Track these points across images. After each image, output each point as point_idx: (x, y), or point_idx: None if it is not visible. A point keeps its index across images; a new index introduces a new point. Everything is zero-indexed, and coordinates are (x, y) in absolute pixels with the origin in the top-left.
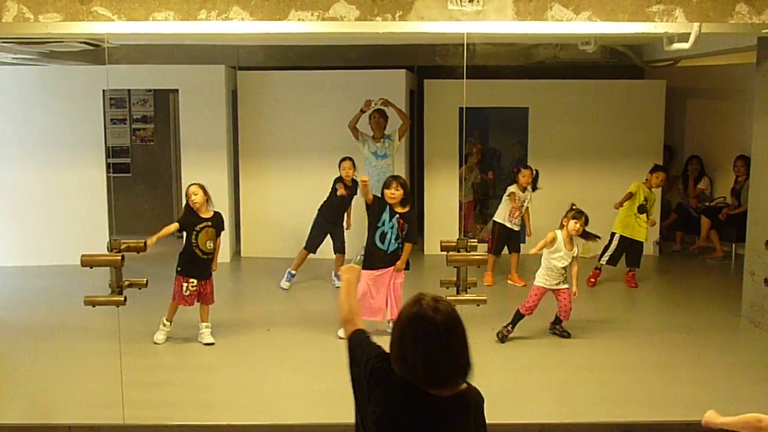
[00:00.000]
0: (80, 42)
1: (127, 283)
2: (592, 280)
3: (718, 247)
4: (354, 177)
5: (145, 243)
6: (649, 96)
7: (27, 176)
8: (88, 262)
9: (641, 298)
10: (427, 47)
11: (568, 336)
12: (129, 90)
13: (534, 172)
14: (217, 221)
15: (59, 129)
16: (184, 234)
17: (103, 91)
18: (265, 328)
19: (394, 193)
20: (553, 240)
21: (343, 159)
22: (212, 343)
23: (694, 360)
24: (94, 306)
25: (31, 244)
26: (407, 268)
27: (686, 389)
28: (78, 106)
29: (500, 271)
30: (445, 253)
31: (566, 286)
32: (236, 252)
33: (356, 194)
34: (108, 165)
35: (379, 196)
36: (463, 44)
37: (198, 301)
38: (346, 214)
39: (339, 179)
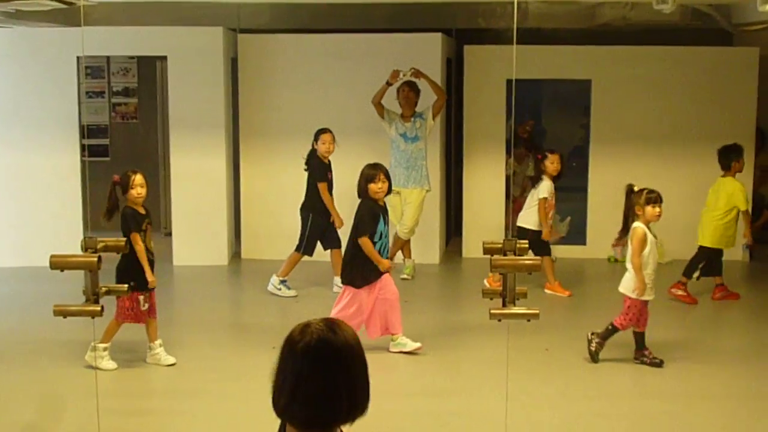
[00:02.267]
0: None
1: (104, 289)
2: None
3: None
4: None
5: (126, 242)
6: (739, 66)
7: None
8: (58, 264)
9: (725, 314)
10: (468, 6)
11: (662, 364)
12: (108, 57)
13: (562, 156)
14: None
15: (24, 103)
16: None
17: (78, 58)
18: (270, 346)
19: (382, 187)
20: (644, 237)
21: (322, 131)
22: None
23: None
24: (65, 317)
25: None
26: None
27: None
28: (47, 75)
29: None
30: (488, 256)
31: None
32: (236, 253)
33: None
34: (83, 147)
35: (365, 198)
36: (513, 2)
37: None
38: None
39: (324, 165)
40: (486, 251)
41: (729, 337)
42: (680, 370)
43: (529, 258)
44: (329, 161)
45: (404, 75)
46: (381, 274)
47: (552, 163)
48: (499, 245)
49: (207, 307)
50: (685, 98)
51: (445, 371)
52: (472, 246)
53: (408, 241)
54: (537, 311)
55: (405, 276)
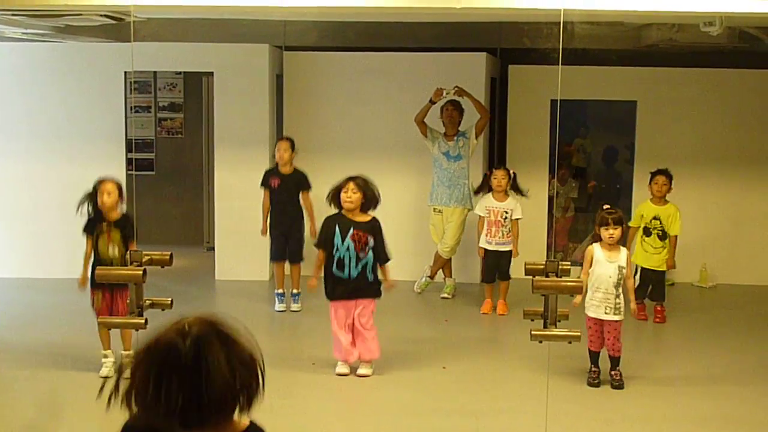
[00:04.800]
0: (101, 15)
1: (148, 302)
2: (642, 313)
3: None
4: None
5: (171, 256)
6: None
7: (33, 172)
8: (104, 276)
9: (752, 336)
10: (513, 26)
11: (621, 387)
12: (155, 72)
13: (511, 174)
14: (123, 224)
15: (72, 116)
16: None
17: (125, 72)
18: (310, 362)
19: (351, 197)
20: (591, 256)
21: (280, 139)
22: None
23: None
24: (109, 329)
25: (38, 253)
26: (379, 295)
27: None
28: (95, 89)
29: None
30: (530, 277)
31: (618, 317)
32: None
33: (309, 186)
34: (128, 161)
35: (337, 212)
36: (560, 22)
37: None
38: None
39: (271, 171)
40: (528, 272)
41: (688, 359)
42: (649, 391)
43: (572, 279)
44: (292, 170)
45: (447, 93)
46: (347, 294)
47: (495, 179)
48: (541, 266)
49: (245, 323)
50: (731, 121)
51: (480, 389)
52: (513, 266)
53: (449, 260)
54: (578, 333)
55: (445, 295)
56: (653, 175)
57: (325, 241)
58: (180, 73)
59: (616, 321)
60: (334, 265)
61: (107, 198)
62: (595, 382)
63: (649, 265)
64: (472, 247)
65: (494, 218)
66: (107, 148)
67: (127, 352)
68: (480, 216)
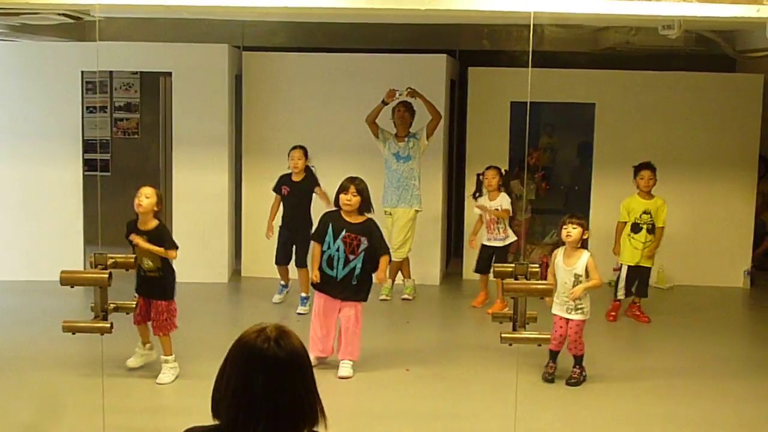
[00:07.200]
0: (59, 14)
1: (113, 306)
2: (613, 313)
3: None
4: (308, 165)
5: (136, 258)
6: (743, 93)
7: None
8: (68, 280)
9: (709, 336)
10: (473, 28)
11: (577, 384)
12: (111, 72)
13: (503, 172)
14: (157, 235)
15: (28, 116)
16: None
17: (82, 72)
18: None
19: (351, 200)
20: (555, 259)
21: (293, 147)
22: (167, 383)
23: None
24: (73, 333)
25: None
26: (364, 300)
27: None
28: (51, 89)
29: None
30: (498, 279)
31: (579, 316)
32: (236, 270)
33: (318, 184)
34: (84, 162)
35: (335, 210)
36: (530, 25)
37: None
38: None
39: (284, 177)
40: (497, 274)
41: (713, 360)
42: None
43: (542, 282)
44: (303, 177)
45: (400, 95)
46: (332, 292)
47: (486, 179)
48: (510, 269)
49: (205, 325)
50: (688, 124)
51: (445, 392)
52: (472, 267)
53: (407, 262)
54: (548, 336)
55: (405, 296)
56: (638, 169)
57: (318, 235)
58: (136, 72)
59: (577, 320)
60: (324, 261)
61: (145, 200)
62: (550, 378)
63: (636, 262)
64: (430, 249)
65: (489, 217)
66: (63, 149)
67: (164, 358)
68: (479, 215)
